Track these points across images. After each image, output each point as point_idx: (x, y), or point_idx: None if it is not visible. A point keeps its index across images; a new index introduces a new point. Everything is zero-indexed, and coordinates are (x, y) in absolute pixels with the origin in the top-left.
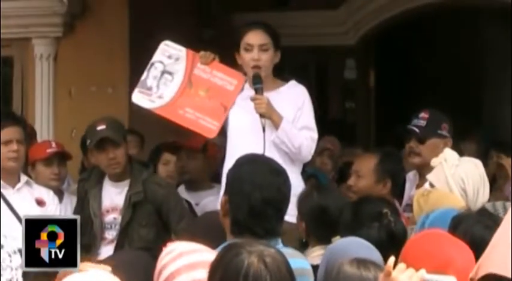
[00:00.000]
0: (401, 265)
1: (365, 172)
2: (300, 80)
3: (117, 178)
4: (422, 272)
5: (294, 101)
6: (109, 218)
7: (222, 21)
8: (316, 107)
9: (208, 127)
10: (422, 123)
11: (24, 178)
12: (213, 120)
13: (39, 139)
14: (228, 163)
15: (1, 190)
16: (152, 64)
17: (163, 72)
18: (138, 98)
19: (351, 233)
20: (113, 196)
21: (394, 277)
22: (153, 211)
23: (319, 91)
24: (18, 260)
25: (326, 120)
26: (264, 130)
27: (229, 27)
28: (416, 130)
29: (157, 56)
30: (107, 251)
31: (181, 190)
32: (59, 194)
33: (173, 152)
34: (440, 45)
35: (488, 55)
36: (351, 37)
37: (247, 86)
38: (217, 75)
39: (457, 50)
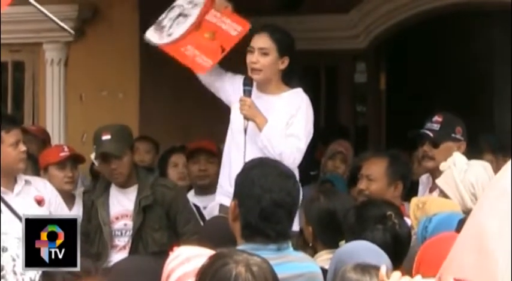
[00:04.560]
0: (396, 273)
1: (376, 175)
2: (310, 84)
3: (124, 185)
4: (418, 278)
5: (289, 107)
6: (119, 225)
7: None
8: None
9: (201, 64)
10: (436, 127)
11: (22, 179)
12: (208, 58)
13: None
14: (224, 162)
15: (1, 195)
16: (172, 7)
17: (179, 15)
18: (151, 34)
19: (355, 236)
20: (123, 202)
21: None
22: (163, 214)
23: (329, 95)
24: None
25: (336, 124)
26: (245, 132)
27: None
28: (430, 134)
29: (180, 0)
30: (117, 258)
31: (190, 194)
32: (71, 197)
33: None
34: (451, 48)
35: (500, 58)
36: (362, 41)
37: (253, 89)
38: (226, 21)
39: (468, 53)
